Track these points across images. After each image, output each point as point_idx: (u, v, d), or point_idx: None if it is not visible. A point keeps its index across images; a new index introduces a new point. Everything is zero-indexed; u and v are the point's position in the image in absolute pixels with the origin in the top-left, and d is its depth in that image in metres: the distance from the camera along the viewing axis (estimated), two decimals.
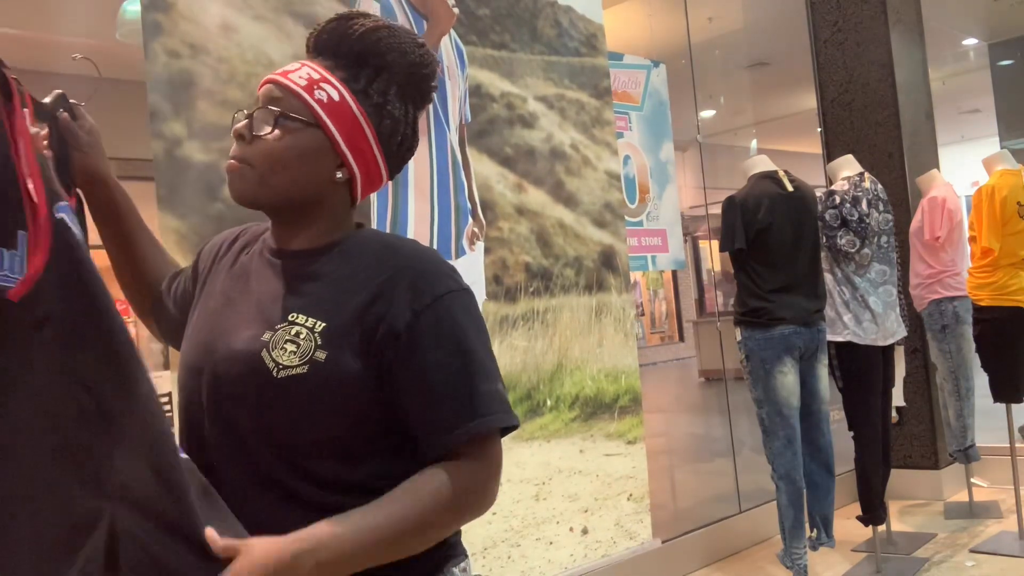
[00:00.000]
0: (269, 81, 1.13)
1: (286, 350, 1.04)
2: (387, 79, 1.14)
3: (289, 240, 1.15)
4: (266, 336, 1.06)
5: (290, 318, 1.07)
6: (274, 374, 1.03)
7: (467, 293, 1.11)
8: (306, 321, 1.06)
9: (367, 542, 0.99)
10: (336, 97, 1.11)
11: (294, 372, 1.03)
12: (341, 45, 1.14)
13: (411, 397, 1.06)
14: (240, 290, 1.15)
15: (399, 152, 1.18)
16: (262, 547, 0.94)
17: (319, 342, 1.04)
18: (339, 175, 1.12)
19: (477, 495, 1.07)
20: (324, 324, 1.05)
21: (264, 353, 1.05)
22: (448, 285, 1.09)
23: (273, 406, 1.04)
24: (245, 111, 1.13)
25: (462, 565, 1.15)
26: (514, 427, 1.09)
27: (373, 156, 1.14)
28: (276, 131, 1.10)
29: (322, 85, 1.11)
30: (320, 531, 0.98)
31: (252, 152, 1.10)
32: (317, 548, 0.96)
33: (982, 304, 4.20)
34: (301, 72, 1.12)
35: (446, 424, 1.05)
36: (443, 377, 1.05)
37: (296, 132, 1.10)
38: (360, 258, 1.11)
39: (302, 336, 1.05)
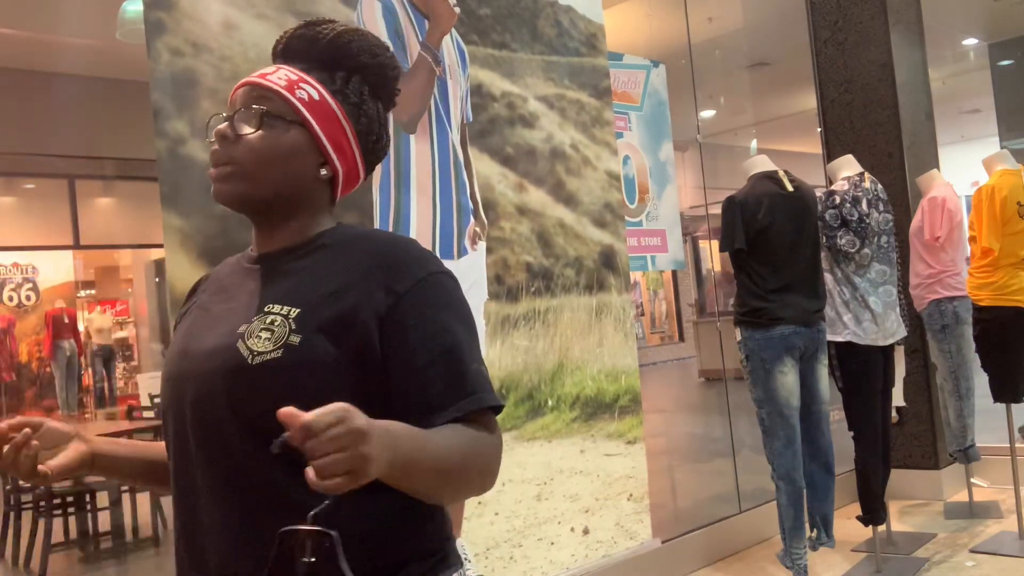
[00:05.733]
0: (246, 84, 1.15)
1: (260, 338, 1.05)
2: (360, 80, 1.17)
3: (269, 242, 1.17)
4: (241, 328, 1.07)
5: (266, 309, 1.08)
6: (249, 361, 1.03)
7: (447, 275, 1.12)
8: (281, 309, 1.07)
9: (427, 454, 0.97)
10: (316, 96, 1.13)
11: (268, 357, 1.03)
12: (311, 50, 1.16)
13: (401, 379, 1.05)
14: (219, 301, 1.17)
15: (375, 150, 1.21)
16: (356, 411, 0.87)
17: (293, 327, 1.05)
18: (323, 172, 1.15)
19: (492, 462, 1.07)
20: (299, 310, 1.06)
21: (240, 344, 1.05)
22: (428, 268, 1.10)
23: (250, 394, 1.03)
24: (223, 114, 1.15)
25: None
26: (500, 408, 1.10)
27: (353, 154, 1.17)
28: (260, 130, 1.12)
29: (302, 85, 1.13)
30: (393, 425, 0.93)
31: (237, 152, 1.12)
32: (396, 436, 0.92)
33: (982, 304, 4.20)
34: (279, 73, 1.14)
35: (438, 404, 1.04)
36: (431, 357, 1.05)
37: (280, 131, 1.12)
38: (337, 249, 1.13)
39: (276, 323, 1.06)
